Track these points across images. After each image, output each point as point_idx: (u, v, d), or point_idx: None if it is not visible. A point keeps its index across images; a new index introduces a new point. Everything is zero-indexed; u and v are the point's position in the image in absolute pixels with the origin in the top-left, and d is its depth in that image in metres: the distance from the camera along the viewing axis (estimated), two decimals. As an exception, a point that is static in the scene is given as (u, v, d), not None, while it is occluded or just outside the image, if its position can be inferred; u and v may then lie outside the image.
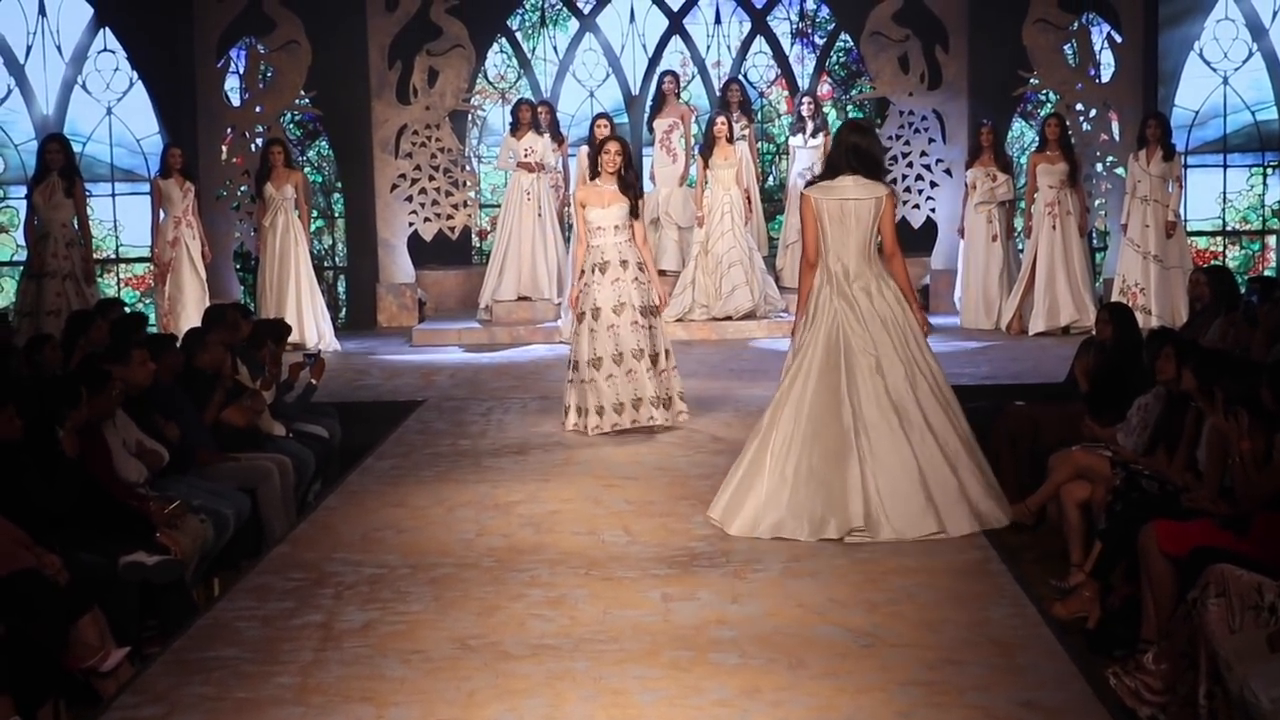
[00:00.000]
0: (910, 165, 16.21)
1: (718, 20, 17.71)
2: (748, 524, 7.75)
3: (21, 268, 14.39)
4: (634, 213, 10.39)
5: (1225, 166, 17.20)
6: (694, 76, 17.66)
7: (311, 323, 14.61)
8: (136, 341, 8.80)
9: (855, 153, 7.98)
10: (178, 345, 9.41)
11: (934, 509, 7.60)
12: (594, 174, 10.56)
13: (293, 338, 12.27)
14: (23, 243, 14.42)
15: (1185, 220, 15.01)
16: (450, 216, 16.28)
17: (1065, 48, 15.81)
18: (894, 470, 7.63)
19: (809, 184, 8.37)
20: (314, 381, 10.65)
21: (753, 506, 7.77)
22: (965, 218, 15.11)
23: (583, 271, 10.38)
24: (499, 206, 16.14)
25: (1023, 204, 15.13)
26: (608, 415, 10.17)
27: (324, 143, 17.38)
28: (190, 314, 13.92)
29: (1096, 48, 15.96)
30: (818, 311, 7.95)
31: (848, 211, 7.94)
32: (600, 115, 15.58)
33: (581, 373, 10.27)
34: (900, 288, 8.03)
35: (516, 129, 15.48)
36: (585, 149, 14.06)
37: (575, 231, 10.95)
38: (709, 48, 17.70)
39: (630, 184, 10.40)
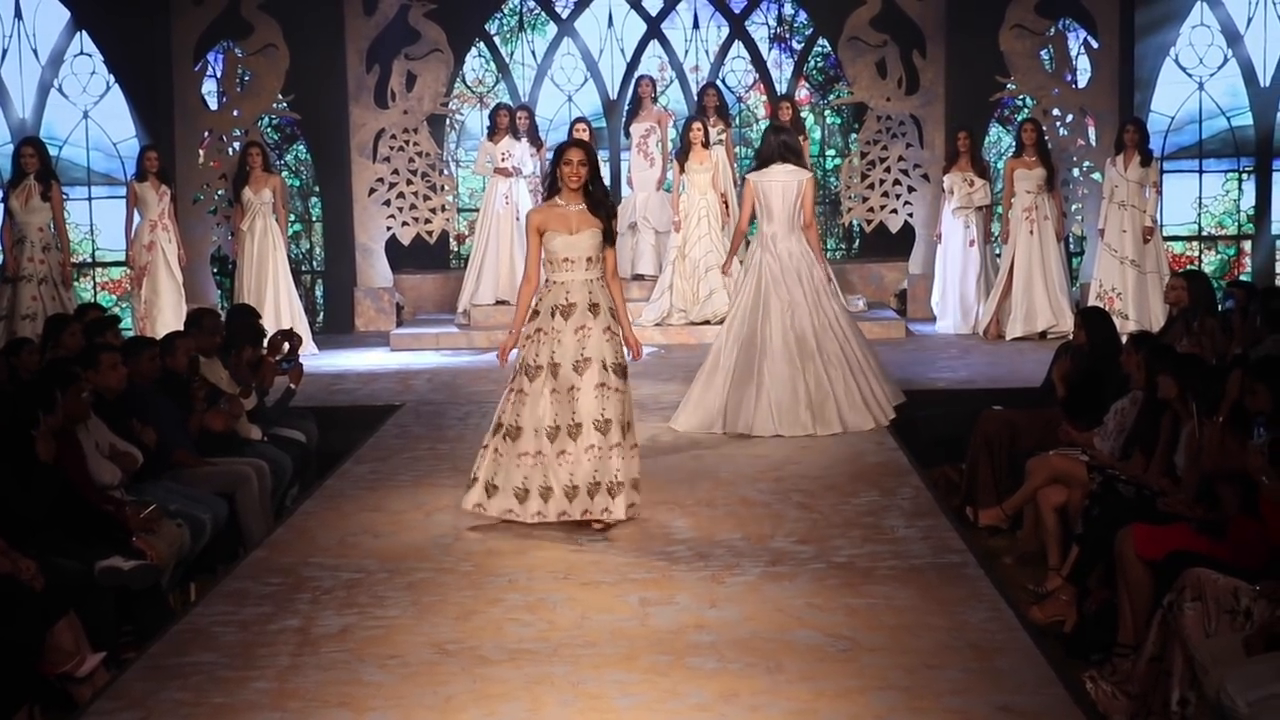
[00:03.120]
0: (888, 170, 16.23)
1: (696, 25, 17.69)
2: (705, 425, 10.38)
3: (-4, 272, 14.34)
4: (608, 237, 8.07)
5: (1201, 172, 17.25)
6: (672, 81, 17.66)
7: (289, 327, 14.54)
8: (105, 345, 8.75)
9: (785, 147, 10.63)
10: (153, 348, 9.37)
11: (811, 416, 10.24)
12: (552, 190, 8.12)
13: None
14: (-2, 247, 14.37)
15: (1161, 225, 15.05)
16: (428, 221, 16.27)
17: (1042, 53, 15.82)
18: (784, 386, 10.29)
19: (749, 171, 10.98)
20: (292, 386, 10.63)
21: (709, 414, 10.42)
22: (942, 223, 15.14)
23: (536, 312, 8.03)
24: (477, 211, 16.14)
25: (1000, 209, 15.15)
26: (555, 501, 7.90)
27: (301, 146, 17.33)
28: (167, 318, 13.88)
29: (1073, 53, 16.01)
30: (751, 265, 10.74)
31: (777, 191, 10.54)
32: (579, 119, 15.60)
33: (522, 444, 7.93)
34: (812, 248, 10.61)
35: (494, 133, 15.50)
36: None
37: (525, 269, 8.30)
38: (687, 52, 17.68)
39: (600, 201, 8.05)
